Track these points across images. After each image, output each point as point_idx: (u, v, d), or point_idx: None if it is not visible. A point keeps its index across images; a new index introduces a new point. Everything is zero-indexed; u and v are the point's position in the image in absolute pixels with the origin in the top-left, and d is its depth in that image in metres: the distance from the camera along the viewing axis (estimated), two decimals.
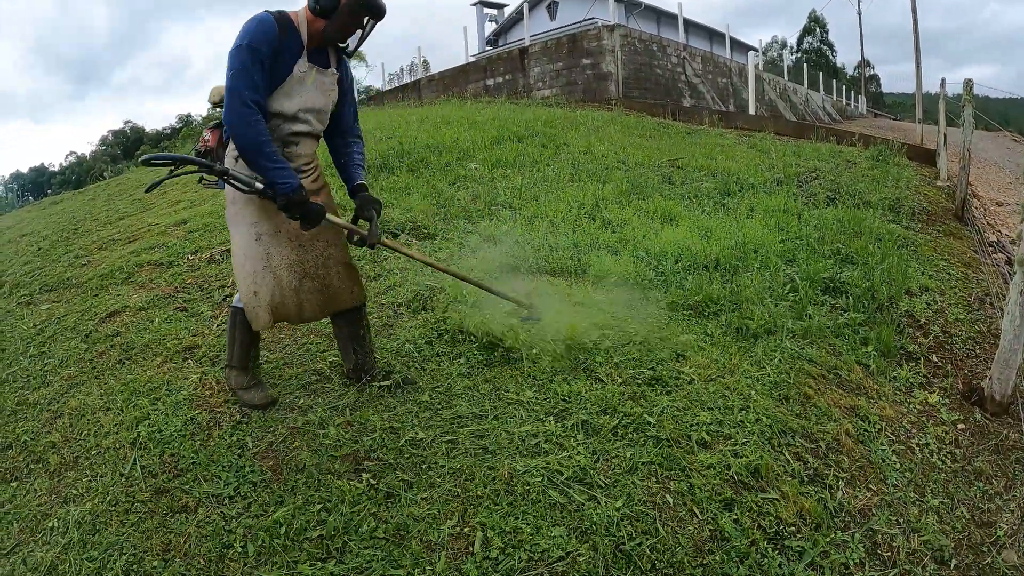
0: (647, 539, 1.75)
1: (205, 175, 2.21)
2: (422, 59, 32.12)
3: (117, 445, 2.39)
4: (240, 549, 1.83)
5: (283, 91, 2.12)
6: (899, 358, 2.97)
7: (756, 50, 26.27)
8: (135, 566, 1.82)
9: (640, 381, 2.51)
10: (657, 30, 19.19)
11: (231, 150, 2.23)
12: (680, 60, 14.29)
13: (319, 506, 1.95)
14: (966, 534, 1.98)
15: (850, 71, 46.08)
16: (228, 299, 3.47)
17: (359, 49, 2.30)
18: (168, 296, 3.67)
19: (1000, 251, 4.75)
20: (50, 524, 2.03)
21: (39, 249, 4.89)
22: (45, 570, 1.85)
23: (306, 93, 2.17)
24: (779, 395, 2.49)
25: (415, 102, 14.59)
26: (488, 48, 22.46)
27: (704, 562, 1.72)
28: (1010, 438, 2.47)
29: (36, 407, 2.77)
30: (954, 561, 1.87)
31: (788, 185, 5.65)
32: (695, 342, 2.91)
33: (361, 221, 2.37)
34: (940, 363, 2.98)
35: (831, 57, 45.79)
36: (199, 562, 1.81)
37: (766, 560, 1.73)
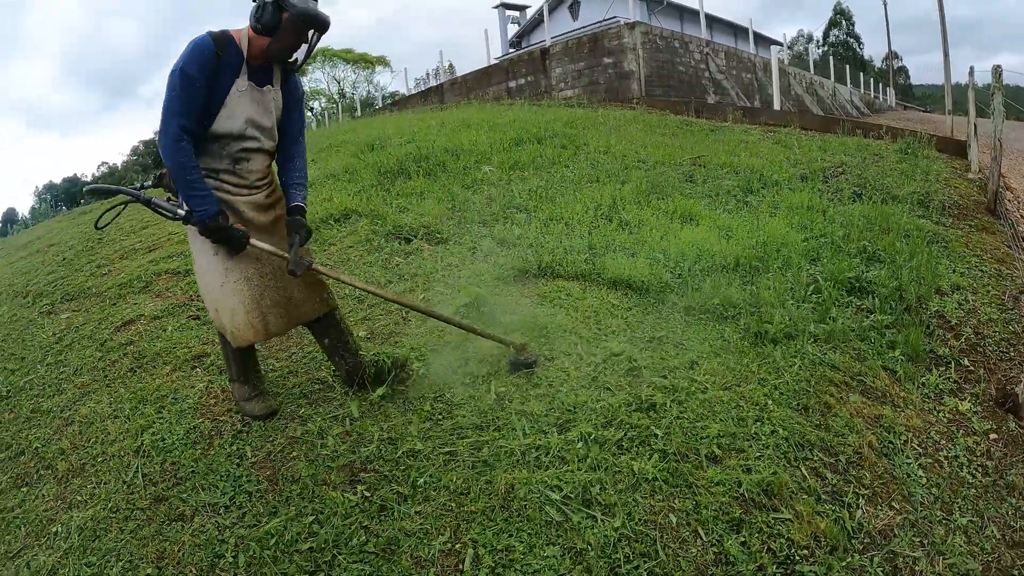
0: (645, 562, 1.65)
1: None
2: (447, 63, 32.42)
3: (122, 453, 2.42)
4: (231, 559, 1.83)
5: (225, 112, 2.12)
6: (928, 362, 2.80)
7: (780, 44, 25.59)
8: (130, 573, 1.85)
9: (650, 390, 2.41)
10: (680, 27, 18.85)
11: None
12: (703, 56, 14.00)
13: (311, 518, 1.93)
14: (995, 556, 1.83)
15: (878, 63, 44.68)
16: None
17: (306, 62, 2.28)
18: (182, 304, 3.71)
19: None
20: (54, 529, 2.09)
21: (64, 259, 5.03)
22: (46, 574, 1.89)
23: (248, 111, 2.17)
24: (798, 405, 2.36)
25: (437, 106, 14.64)
26: (511, 50, 22.42)
27: None
28: None
29: (49, 414, 2.82)
30: None
31: (813, 181, 5.44)
32: (710, 348, 2.79)
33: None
34: (972, 367, 2.79)
35: (858, 50, 44.49)
36: (191, 571, 1.82)
37: None
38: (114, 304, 3.85)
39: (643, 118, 9.81)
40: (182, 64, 2.01)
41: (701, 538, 1.73)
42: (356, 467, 2.12)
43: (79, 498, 2.22)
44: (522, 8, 24.50)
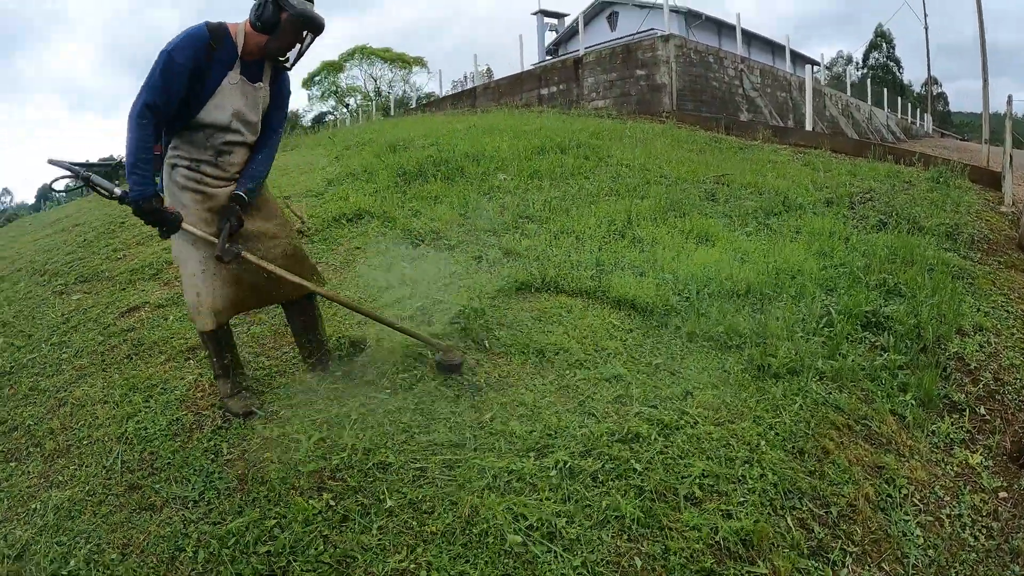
0: None
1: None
2: (485, 67, 32.59)
3: (106, 438, 2.45)
4: (191, 554, 1.83)
5: (214, 102, 2.16)
6: (941, 408, 2.64)
7: (817, 63, 25.02)
8: (96, 556, 1.87)
9: (637, 420, 2.31)
10: (718, 42, 18.57)
11: (168, 157, 2.26)
12: (737, 72, 13.74)
13: (274, 521, 1.90)
14: None
15: (917, 88, 43.51)
16: None
17: (297, 63, 2.33)
18: None
19: None
20: (33, 506, 2.13)
21: (84, 240, 5.14)
22: (20, 548, 1.94)
23: (237, 104, 2.20)
24: (793, 448, 2.24)
25: (469, 110, 14.67)
26: (548, 57, 22.40)
27: None
28: None
29: (45, 393, 2.87)
30: None
31: (839, 206, 5.25)
32: (708, 379, 2.68)
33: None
34: (988, 416, 2.62)
35: (897, 73, 43.41)
36: (152, 560, 1.83)
37: None
38: (123, 289, 3.91)
39: (672, 132, 9.66)
40: (171, 48, 2.05)
41: None
42: (325, 475, 2.08)
43: (61, 478, 2.26)
44: (560, 16, 24.49)
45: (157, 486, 2.11)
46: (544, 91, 14.34)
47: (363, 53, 32.61)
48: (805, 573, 1.72)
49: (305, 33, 2.20)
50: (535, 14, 23.40)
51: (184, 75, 2.05)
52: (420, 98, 27.89)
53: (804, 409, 2.47)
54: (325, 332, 2.74)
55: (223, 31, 2.13)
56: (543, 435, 2.21)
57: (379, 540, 1.79)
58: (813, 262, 3.96)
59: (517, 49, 21.16)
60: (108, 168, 2.30)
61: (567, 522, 1.78)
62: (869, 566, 1.80)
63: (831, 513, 1.96)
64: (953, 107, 50.33)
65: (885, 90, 26.47)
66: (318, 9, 2.24)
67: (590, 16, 22.83)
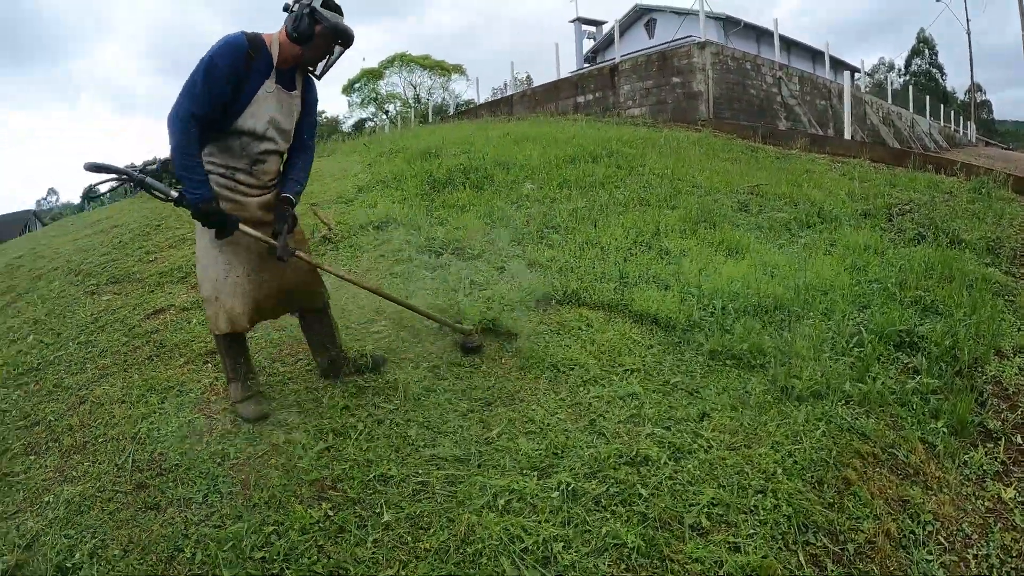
0: None
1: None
2: (525, 74, 32.69)
3: (120, 437, 2.51)
4: (189, 555, 1.86)
5: (251, 111, 2.20)
6: (975, 437, 2.46)
7: (858, 70, 24.18)
8: (100, 551, 1.91)
9: (647, 442, 2.23)
10: (757, 49, 18.15)
11: None
12: (776, 80, 13.38)
13: (272, 528, 1.91)
14: None
15: (960, 96, 41.69)
16: None
17: (326, 73, 2.40)
18: None
19: None
20: (46, 499, 2.19)
21: (120, 241, 5.33)
22: (30, 538, 2.00)
23: (273, 112, 2.25)
24: (812, 477, 2.11)
25: (505, 117, 14.71)
26: (586, 65, 22.32)
27: None
28: None
29: (68, 391, 2.96)
30: None
31: (876, 218, 5.01)
32: (727, 400, 2.57)
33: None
34: None
35: (940, 81, 41.76)
36: (151, 559, 1.86)
37: None
38: (151, 291, 4.02)
39: (707, 141, 9.45)
40: (212, 55, 2.10)
41: None
42: (326, 484, 2.07)
43: (74, 474, 2.32)
44: (598, 24, 24.38)
45: (164, 487, 2.15)
46: (580, 99, 14.28)
47: (403, 60, 33.14)
48: None
49: (335, 45, 2.29)
50: (573, 21, 23.35)
51: (224, 81, 2.10)
52: (459, 105, 28.14)
53: (827, 436, 2.34)
54: (342, 342, 2.77)
55: (260, 41, 2.19)
56: (549, 454, 2.16)
57: (373, 553, 1.77)
58: (846, 277, 3.78)
59: (559, 56, 21.09)
60: (156, 171, 2.34)
61: (564, 547, 1.72)
62: None
63: (847, 550, 1.84)
64: (997, 115, 48.28)
65: (928, 98, 25.52)
66: (350, 21, 2.32)
67: (627, 23, 22.68)
